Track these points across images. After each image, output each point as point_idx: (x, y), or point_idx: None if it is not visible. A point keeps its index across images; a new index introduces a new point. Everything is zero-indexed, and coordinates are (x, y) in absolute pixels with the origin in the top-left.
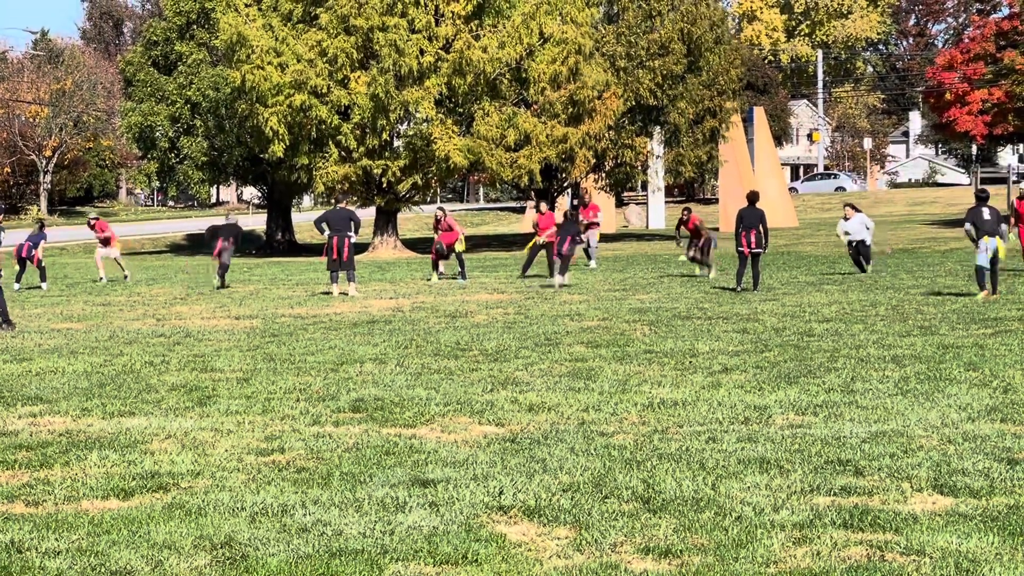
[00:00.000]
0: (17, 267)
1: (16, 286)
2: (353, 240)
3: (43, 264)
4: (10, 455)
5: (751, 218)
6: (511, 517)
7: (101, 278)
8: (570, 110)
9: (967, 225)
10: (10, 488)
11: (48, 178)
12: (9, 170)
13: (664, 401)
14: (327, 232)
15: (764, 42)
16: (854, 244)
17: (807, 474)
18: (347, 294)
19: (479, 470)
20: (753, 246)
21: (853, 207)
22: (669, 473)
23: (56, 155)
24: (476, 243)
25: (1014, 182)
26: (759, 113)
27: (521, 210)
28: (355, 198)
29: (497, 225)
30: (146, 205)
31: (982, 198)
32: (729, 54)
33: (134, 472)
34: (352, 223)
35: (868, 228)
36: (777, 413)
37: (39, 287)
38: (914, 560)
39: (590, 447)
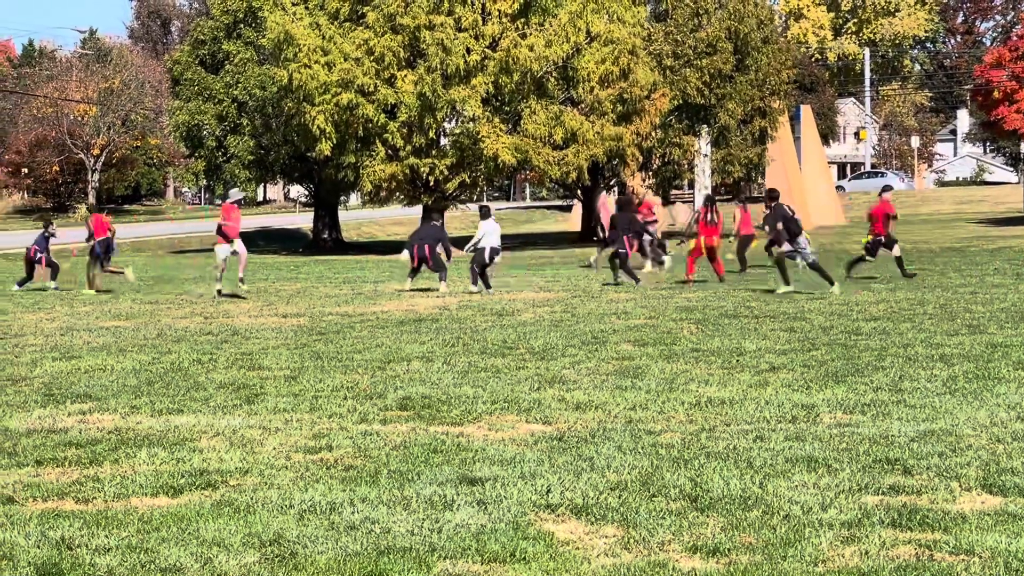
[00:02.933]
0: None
1: (16, 288)
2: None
3: (54, 262)
4: (60, 452)
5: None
6: (559, 515)
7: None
8: (619, 109)
9: None
10: (60, 485)
11: (96, 176)
12: (58, 168)
13: (711, 399)
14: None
15: (811, 40)
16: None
17: (855, 473)
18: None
19: (527, 468)
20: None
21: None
22: (717, 472)
23: (104, 154)
24: (523, 241)
25: None
26: (806, 111)
27: (568, 208)
28: (401, 196)
29: (544, 224)
30: (193, 203)
31: None
32: (779, 54)
33: (183, 469)
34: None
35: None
36: (825, 412)
37: (47, 287)
38: (963, 560)
39: (637, 445)
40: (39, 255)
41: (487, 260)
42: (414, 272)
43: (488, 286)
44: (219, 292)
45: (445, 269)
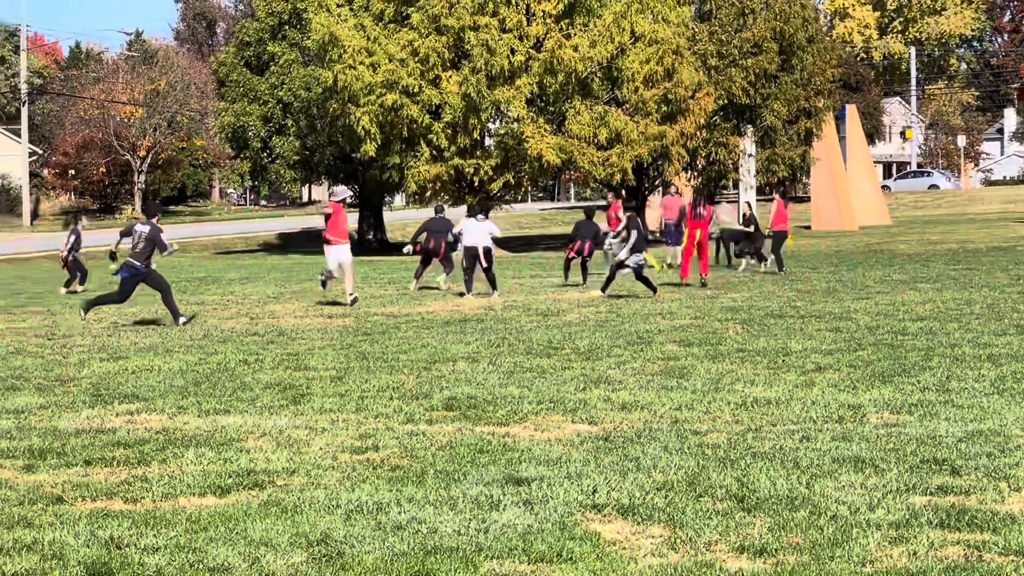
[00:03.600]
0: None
1: (62, 290)
2: (449, 240)
3: (81, 264)
4: (108, 452)
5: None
6: (605, 515)
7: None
8: (663, 109)
9: None
10: (109, 485)
11: (142, 178)
12: (104, 170)
13: (757, 400)
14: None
15: (856, 39)
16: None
17: (903, 473)
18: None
19: (573, 468)
20: None
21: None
22: (763, 472)
23: (150, 155)
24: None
25: None
26: (851, 111)
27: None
28: (446, 196)
29: None
30: (239, 204)
31: None
32: (824, 53)
33: (230, 470)
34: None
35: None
36: (871, 412)
37: (77, 291)
38: (1012, 560)
39: (683, 445)
40: (72, 255)
41: (465, 262)
42: (423, 269)
43: (468, 288)
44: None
45: (453, 266)
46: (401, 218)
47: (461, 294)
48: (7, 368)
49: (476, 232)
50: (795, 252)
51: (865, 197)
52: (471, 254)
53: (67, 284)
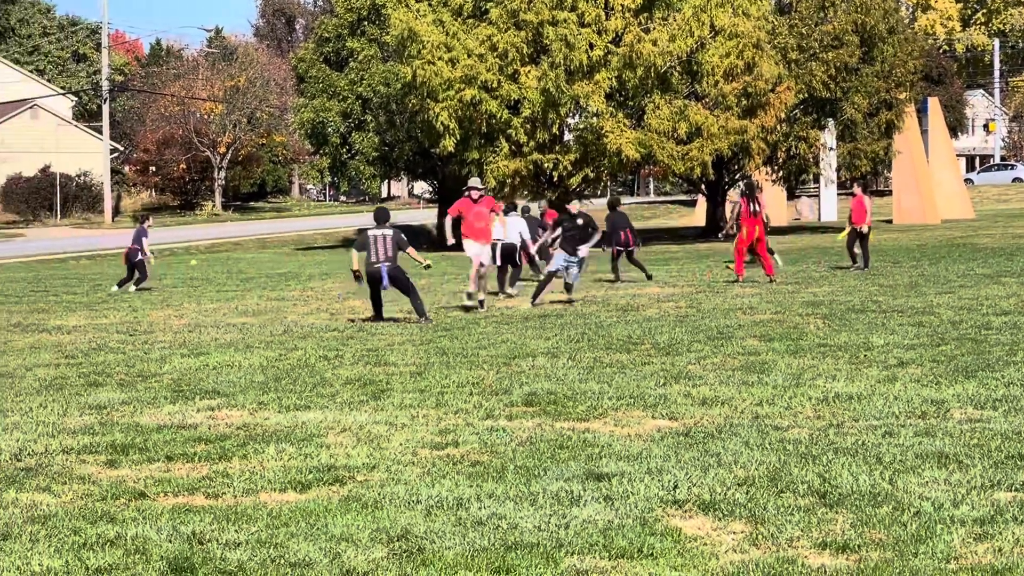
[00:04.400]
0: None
1: (115, 288)
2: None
3: (143, 262)
4: (190, 448)
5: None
6: (686, 511)
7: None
8: (743, 103)
9: None
10: (191, 480)
11: (222, 174)
12: (185, 166)
13: (839, 395)
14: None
15: (939, 31)
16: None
17: (987, 469)
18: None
19: (653, 464)
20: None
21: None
22: (845, 467)
23: (230, 151)
24: (647, 237)
25: None
26: (934, 104)
27: (692, 203)
28: (525, 192)
29: (667, 218)
30: (318, 200)
31: None
32: (906, 45)
33: (311, 465)
34: None
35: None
36: (955, 407)
37: (144, 288)
38: None
39: (764, 441)
40: (139, 255)
41: (494, 259)
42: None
43: (501, 289)
44: (480, 303)
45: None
46: None
47: (495, 293)
48: (90, 364)
49: (510, 228)
50: (876, 246)
51: (947, 190)
52: (503, 251)
53: (135, 282)
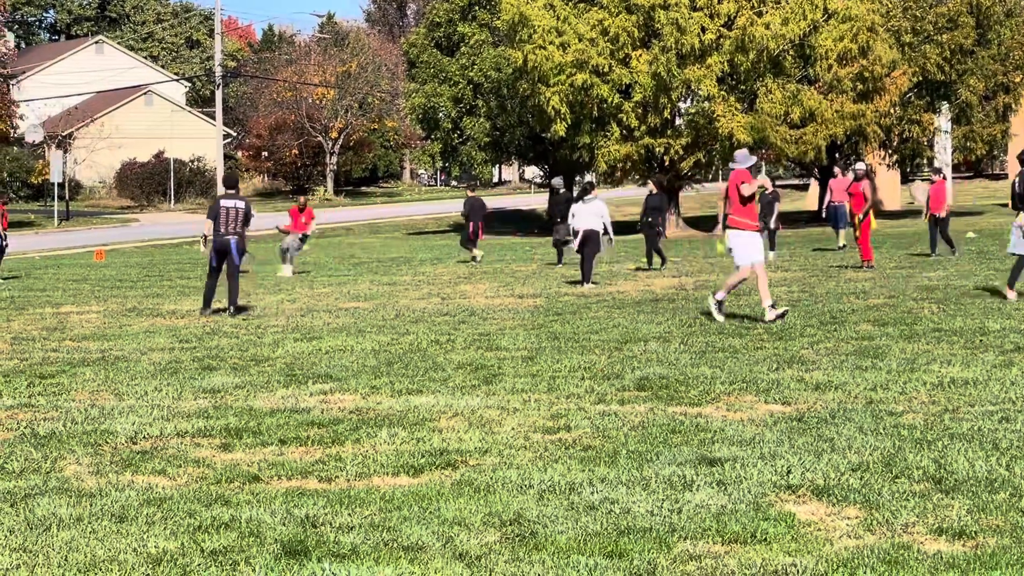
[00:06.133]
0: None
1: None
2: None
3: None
4: (303, 432)
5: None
6: (799, 496)
7: None
8: (858, 87)
9: None
10: (304, 464)
11: (334, 159)
12: (297, 151)
13: (954, 380)
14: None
15: None
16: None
17: None
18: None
19: (766, 449)
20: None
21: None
22: (961, 453)
23: (342, 136)
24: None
25: None
26: None
27: (804, 187)
28: (636, 176)
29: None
30: (429, 185)
31: None
32: (1023, 27)
33: (423, 449)
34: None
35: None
36: None
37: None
38: None
39: (879, 426)
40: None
41: (583, 248)
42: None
43: (586, 278)
44: (781, 315)
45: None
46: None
47: (578, 282)
48: (203, 348)
49: (586, 215)
50: (991, 230)
51: None
52: (585, 238)
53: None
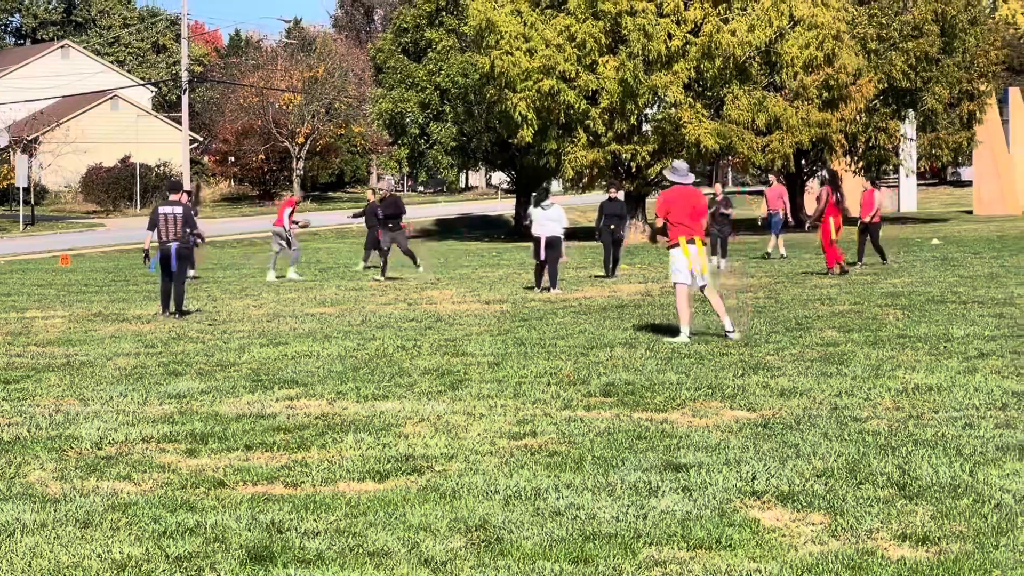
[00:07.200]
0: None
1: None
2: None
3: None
4: (269, 437)
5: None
6: (764, 502)
7: None
8: (824, 95)
9: None
10: (270, 469)
11: (301, 164)
12: (264, 157)
13: (919, 386)
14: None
15: (1020, 21)
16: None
17: None
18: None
19: (731, 455)
20: None
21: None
22: (925, 459)
23: (308, 142)
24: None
25: None
26: (1015, 94)
27: None
28: (603, 182)
29: (744, 209)
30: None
31: None
32: (988, 35)
33: (389, 455)
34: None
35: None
36: None
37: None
38: None
39: (843, 432)
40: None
41: (543, 255)
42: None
43: (537, 284)
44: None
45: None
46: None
47: (531, 288)
48: (169, 353)
49: (544, 221)
50: (957, 237)
51: None
52: (548, 244)
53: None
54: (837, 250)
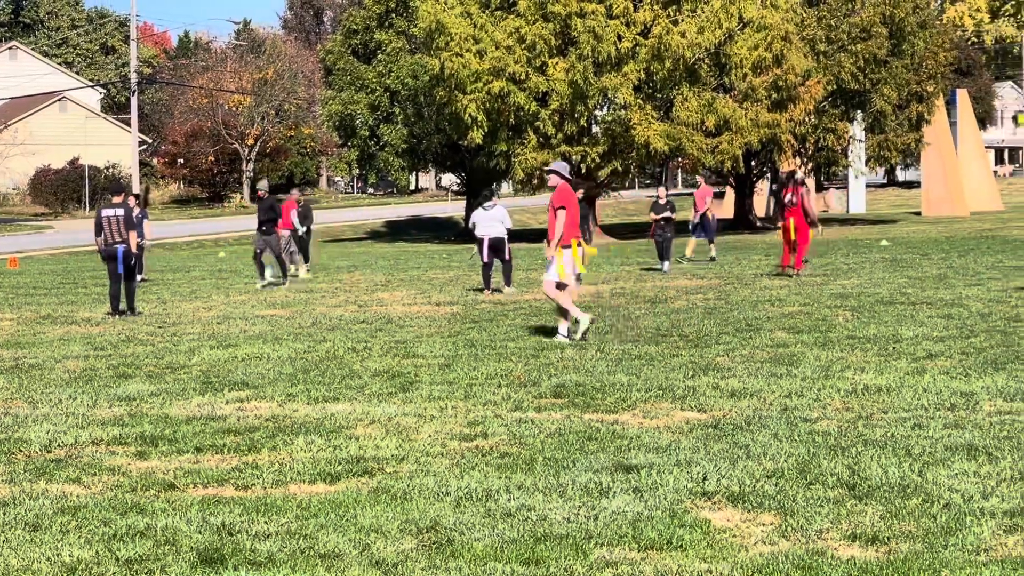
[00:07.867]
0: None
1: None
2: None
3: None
4: (219, 439)
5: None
6: (715, 503)
7: None
8: (773, 96)
9: None
10: (220, 472)
11: (250, 166)
12: (213, 159)
13: (868, 387)
14: None
15: (967, 23)
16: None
17: (1016, 461)
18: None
19: (682, 456)
20: None
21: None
22: (874, 459)
23: (258, 143)
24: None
25: None
26: (962, 96)
27: (720, 195)
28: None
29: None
30: (346, 192)
31: None
32: (936, 37)
33: (340, 457)
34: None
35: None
36: (984, 400)
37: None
38: None
39: (793, 433)
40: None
41: (484, 256)
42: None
43: (487, 284)
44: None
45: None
46: (508, 205)
47: (480, 290)
48: (119, 356)
49: (488, 222)
50: (905, 238)
51: (976, 182)
52: (490, 246)
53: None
54: (789, 252)
